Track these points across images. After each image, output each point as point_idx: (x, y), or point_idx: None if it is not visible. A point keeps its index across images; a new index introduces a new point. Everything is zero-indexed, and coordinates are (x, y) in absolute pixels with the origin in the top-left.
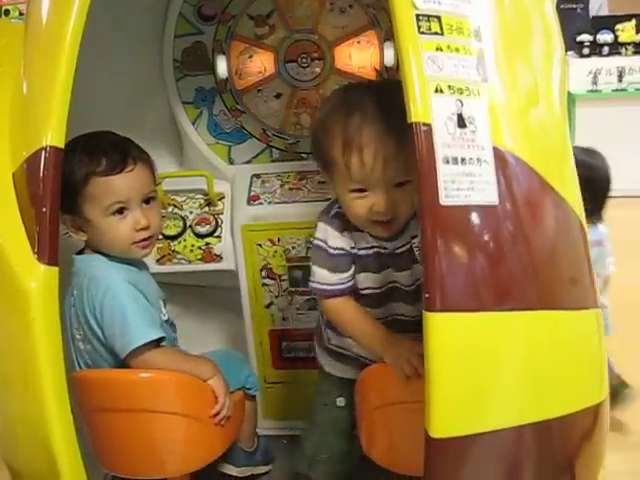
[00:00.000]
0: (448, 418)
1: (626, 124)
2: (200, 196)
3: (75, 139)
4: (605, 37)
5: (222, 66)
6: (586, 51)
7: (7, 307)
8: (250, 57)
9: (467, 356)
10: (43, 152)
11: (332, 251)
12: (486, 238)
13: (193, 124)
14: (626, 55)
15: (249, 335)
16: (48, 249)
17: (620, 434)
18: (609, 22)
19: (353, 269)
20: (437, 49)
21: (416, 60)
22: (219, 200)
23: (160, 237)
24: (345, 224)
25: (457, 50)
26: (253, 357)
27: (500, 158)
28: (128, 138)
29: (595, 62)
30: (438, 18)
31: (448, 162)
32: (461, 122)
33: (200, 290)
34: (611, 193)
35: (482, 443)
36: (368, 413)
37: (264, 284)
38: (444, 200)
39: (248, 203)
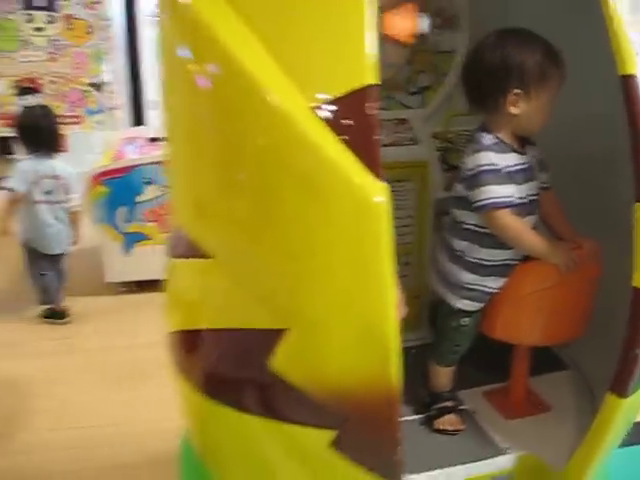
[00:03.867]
0: None
1: None
2: None
3: None
4: None
5: None
6: None
7: (344, 220)
8: None
9: None
10: (368, 91)
11: (502, 169)
12: None
13: None
14: None
15: None
16: (381, 169)
17: None
18: None
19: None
20: None
21: None
22: None
23: None
24: (501, 149)
25: None
26: None
27: None
28: None
29: None
30: None
31: None
32: None
33: None
34: None
35: None
36: (518, 299)
37: None
38: None
39: None
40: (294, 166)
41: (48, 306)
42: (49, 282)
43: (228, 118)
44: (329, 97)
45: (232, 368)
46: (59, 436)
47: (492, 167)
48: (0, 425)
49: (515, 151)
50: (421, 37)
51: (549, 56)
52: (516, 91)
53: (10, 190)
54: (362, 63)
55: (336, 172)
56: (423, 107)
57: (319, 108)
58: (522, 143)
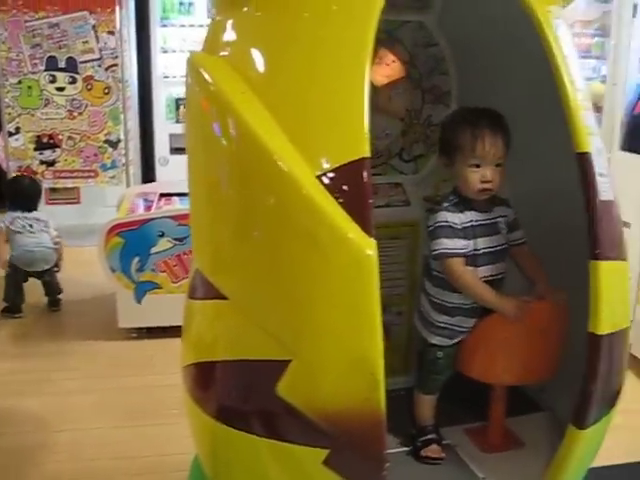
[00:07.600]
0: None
1: None
2: None
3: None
4: None
5: None
6: None
7: (340, 270)
8: None
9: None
10: (363, 162)
11: (454, 225)
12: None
13: None
14: None
15: None
16: (372, 228)
17: None
18: None
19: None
20: None
21: None
22: None
23: None
24: (457, 209)
25: None
26: None
27: None
28: None
29: None
30: None
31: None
32: None
33: None
34: None
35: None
36: (490, 344)
37: None
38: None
39: None
40: (299, 223)
41: (7, 304)
42: (18, 289)
43: (244, 182)
44: (330, 166)
45: (243, 394)
46: (78, 466)
47: (445, 224)
48: (24, 456)
49: (474, 209)
50: (415, 112)
51: (468, 130)
52: (441, 156)
53: None
54: (358, 138)
55: (333, 229)
56: (416, 173)
57: (321, 175)
58: (489, 202)
